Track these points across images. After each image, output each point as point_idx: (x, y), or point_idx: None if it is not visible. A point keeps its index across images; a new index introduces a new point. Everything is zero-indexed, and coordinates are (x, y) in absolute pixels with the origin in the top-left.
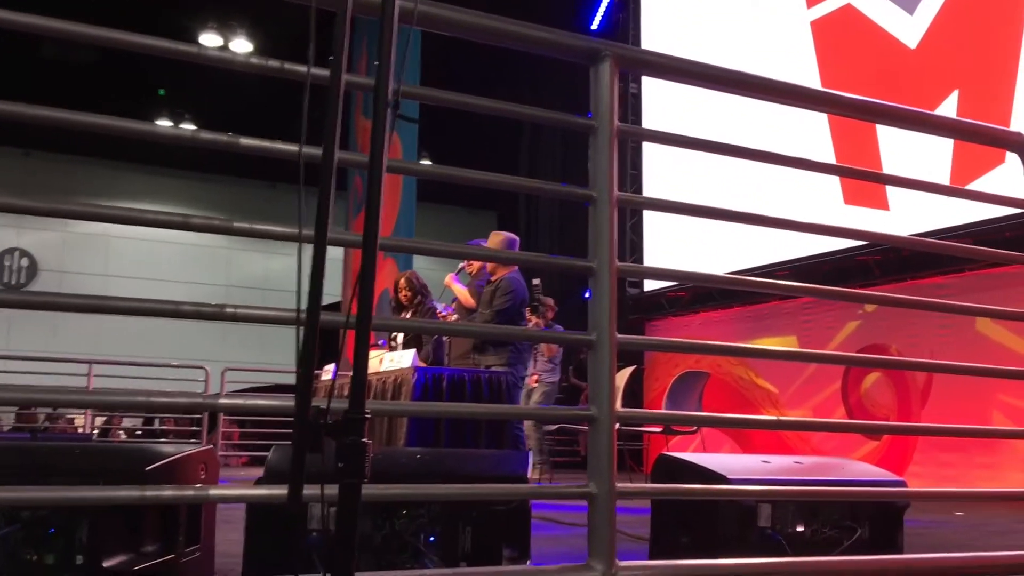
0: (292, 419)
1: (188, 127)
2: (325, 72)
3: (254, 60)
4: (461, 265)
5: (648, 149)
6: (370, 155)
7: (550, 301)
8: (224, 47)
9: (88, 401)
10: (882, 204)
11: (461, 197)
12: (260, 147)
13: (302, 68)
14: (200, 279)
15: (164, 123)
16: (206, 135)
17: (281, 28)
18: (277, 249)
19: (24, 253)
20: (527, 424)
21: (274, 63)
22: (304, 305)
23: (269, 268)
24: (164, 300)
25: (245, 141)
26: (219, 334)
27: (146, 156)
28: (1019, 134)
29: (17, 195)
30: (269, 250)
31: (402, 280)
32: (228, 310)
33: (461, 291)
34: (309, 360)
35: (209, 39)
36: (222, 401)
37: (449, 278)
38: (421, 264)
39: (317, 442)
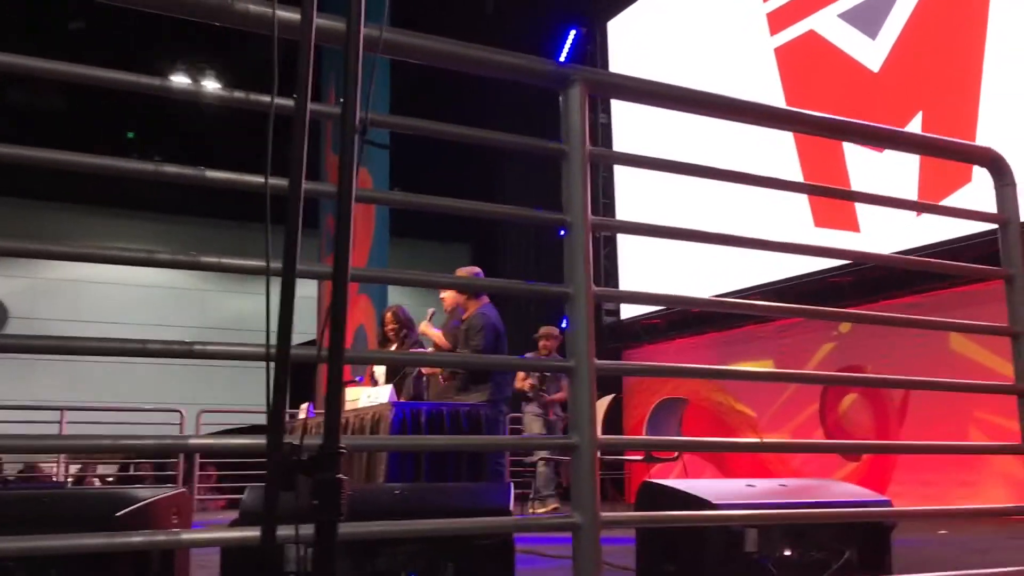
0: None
1: (151, 163)
2: (291, 102)
3: (219, 91)
4: (431, 311)
5: (620, 178)
6: (339, 182)
7: (555, 331)
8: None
9: (55, 446)
10: (852, 226)
11: (434, 230)
12: (226, 180)
13: (267, 98)
14: (173, 322)
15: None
16: (171, 168)
17: (251, 69)
18: (250, 290)
19: None
20: (539, 456)
21: (239, 94)
22: (274, 340)
23: (243, 309)
24: (130, 339)
25: (211, 174)
26: (195, 377)
27: (116, 199)
28: (989, 149)
29: None
30: (243, 291)
31: (388, 314)
32: (197, 347)
33: (435, 334)
34: (280, 394)
35: (178, 80)
36: (192, 441)
37: (424, 325)
38: (397, 300)
39: (291, 479)
